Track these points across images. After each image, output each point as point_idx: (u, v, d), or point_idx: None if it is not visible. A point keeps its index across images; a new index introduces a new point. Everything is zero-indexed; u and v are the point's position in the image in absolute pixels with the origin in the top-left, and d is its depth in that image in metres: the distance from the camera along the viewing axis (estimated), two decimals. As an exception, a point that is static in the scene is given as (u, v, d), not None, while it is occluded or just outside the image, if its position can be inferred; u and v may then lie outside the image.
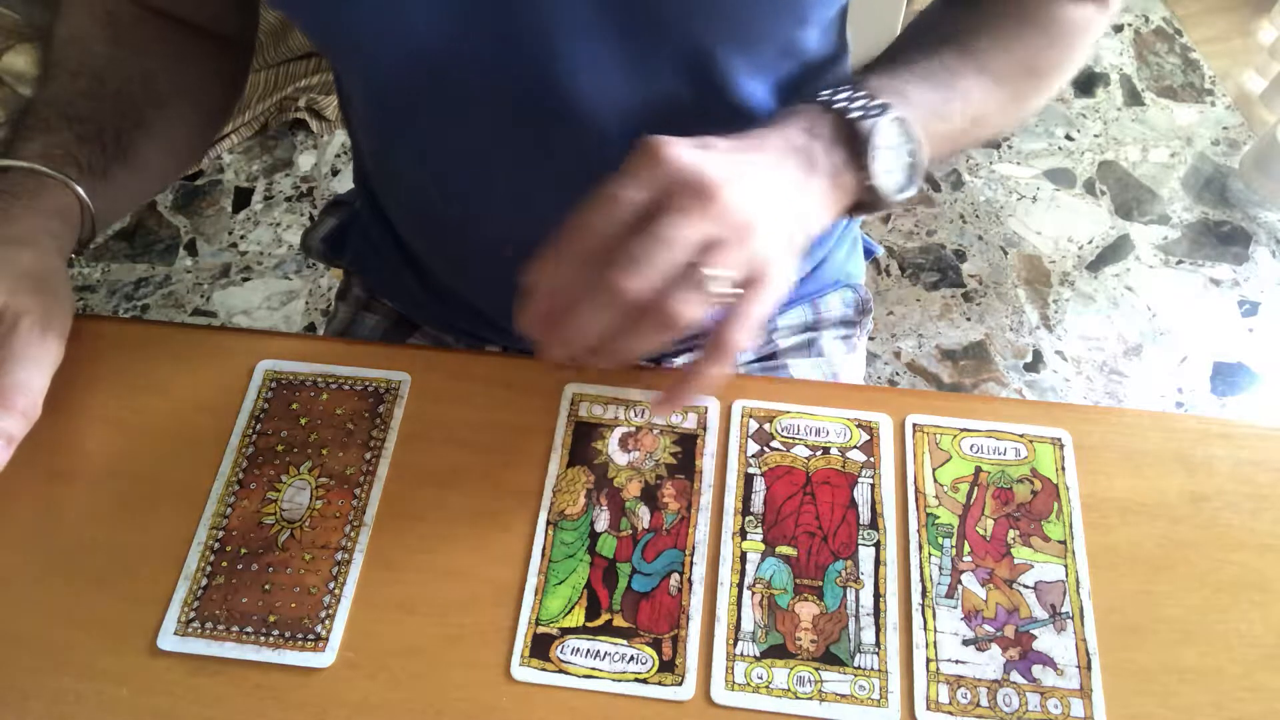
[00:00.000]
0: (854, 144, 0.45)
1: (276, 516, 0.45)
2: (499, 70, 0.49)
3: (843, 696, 0.41)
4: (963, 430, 0.48)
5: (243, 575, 0.44)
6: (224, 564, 0.44)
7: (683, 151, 0.40)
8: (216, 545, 0.45)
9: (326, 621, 0.43)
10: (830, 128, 0.45)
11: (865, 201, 0.47)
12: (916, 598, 0.43)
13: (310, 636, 0.42)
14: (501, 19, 0.46)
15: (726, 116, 0.51)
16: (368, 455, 0.47)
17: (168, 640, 0.42)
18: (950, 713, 0.40)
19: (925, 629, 0.42)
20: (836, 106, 0.45)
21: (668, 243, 0.39)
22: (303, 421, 0.48)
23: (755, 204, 0.41)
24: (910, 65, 0.50)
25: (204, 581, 0.44)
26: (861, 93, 0.46)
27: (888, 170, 0.46)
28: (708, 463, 0.47)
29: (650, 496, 0.46)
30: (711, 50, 0.49)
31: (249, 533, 0.45)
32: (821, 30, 0.53)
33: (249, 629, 0.42)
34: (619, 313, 0.39)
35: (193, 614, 0.43)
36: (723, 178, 0.40)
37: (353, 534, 0.45)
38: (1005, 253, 1.53)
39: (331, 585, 0.44)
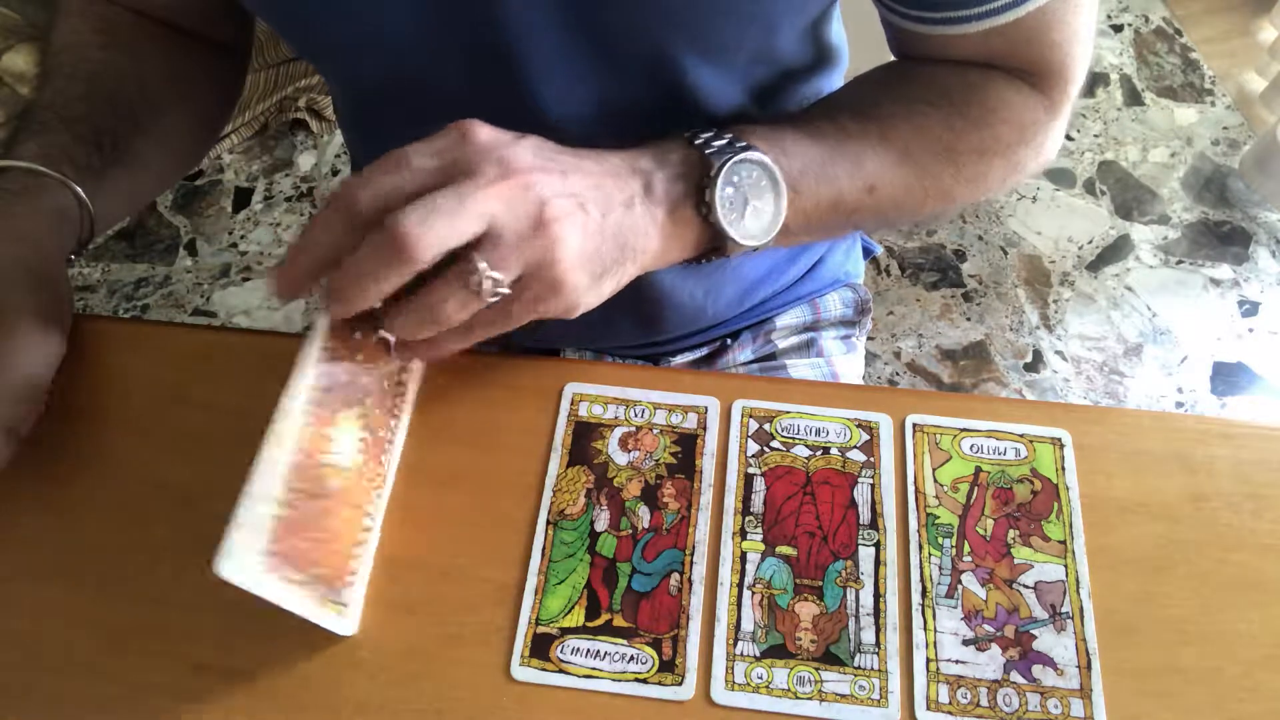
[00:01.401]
0: (700, 179, 0.44)
1: (330, 456, 0.42)
2: (470, 78, 0.49)
3: (843, 696, 0.41)
4: (963, 430, 0.48)
5: (305, 511, 0.40)
6: (291, 497, 0.40)
7: (491, 132, 0.39)
8: (286, 473, 0.40)
9: (353, 587, 0.43)
10: (682, 161, 0.44)
11: (716, 245, 0.45)
12: (916, 598, 0.43)
13: (338, 601, 0.41)
14: (471, 27, 0.46)
15: (697, 124, 0.51)
16: (392, 422, 0.47)
17: (229, 567, 0.36)
18: (950, 713, 0.40)
19: (925, 629, 0.42)
20: (697, 142, 0.44)
21: (466, 199, 0.36)
22: (359, 357, 0.44)
23: (558, 200, 0.38)
24: (801, 121, 0.48)
25: (278, 511, 0.39)
26: (729, 133, 0.45)
27: (734, 213, 0.44)
28: (708, 462, 0.47)
29: (650, 496, 0.46)
30: (678, 59, 0.48)
31: (310, 470, 0.41)
32: (797, 37, 0.52)
33: (298, 576, 0.39)
34: (398, 262, 0.36)
35: (268, 543, 0.38)
36: (528, 163, 0.38)
37: (378, 501, 0.45)
38: (1005, 253, 1.53)
39: (358, 550, 0.43)
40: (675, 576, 0.44)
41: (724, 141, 0.44)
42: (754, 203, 0.44)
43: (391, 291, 0.37)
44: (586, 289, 0.40)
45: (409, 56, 0.48)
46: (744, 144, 0.44)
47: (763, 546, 0.45)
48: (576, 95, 0.49)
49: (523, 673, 0.41)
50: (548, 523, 0.45)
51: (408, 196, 0.36)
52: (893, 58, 0.54)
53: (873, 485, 0.46)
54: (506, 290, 0.38)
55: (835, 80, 0.61)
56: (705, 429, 0.48)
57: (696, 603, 0.43)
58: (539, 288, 0.39)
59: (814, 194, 0.47)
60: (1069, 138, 1.66)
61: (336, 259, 0.37)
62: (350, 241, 0.37)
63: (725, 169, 0.43)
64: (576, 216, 0.39)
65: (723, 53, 0.49)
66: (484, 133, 0.38)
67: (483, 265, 0.37)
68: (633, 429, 0.48)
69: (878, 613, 0.43)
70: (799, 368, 0.71)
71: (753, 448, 0.48)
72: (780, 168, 0.45)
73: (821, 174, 0.47)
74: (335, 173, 1.64)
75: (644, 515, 0.46)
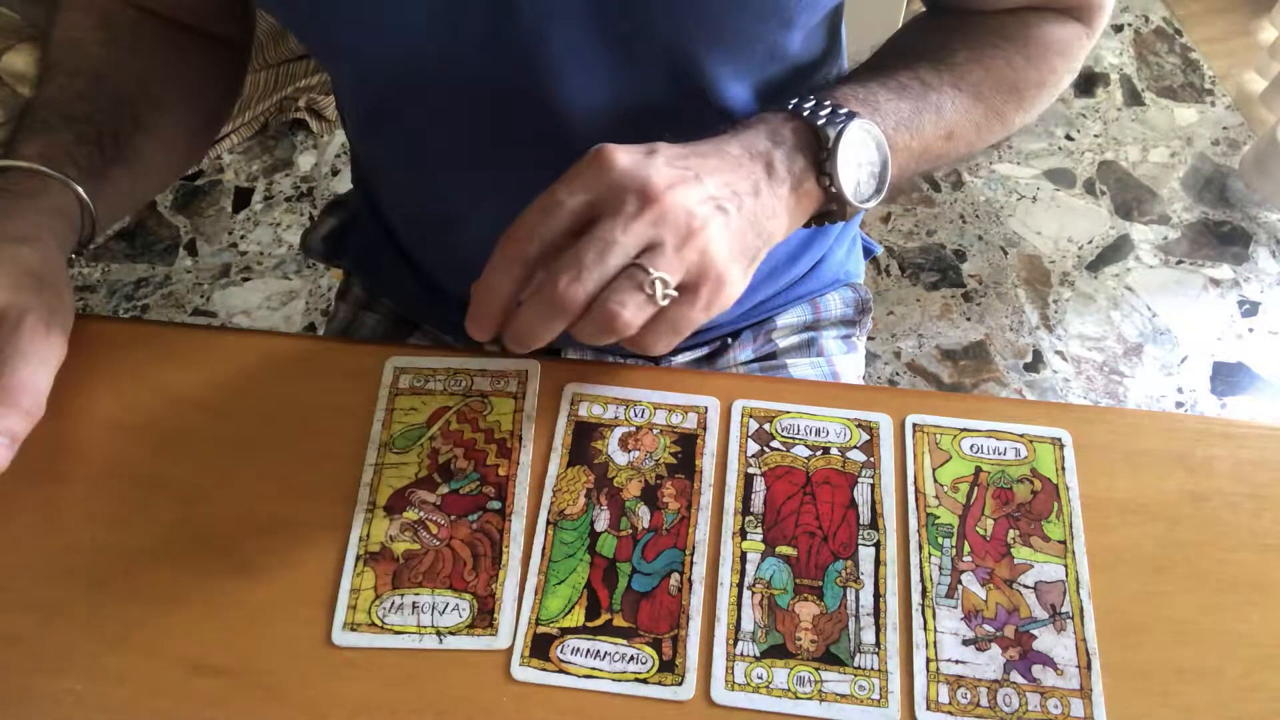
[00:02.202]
0: (817, 151, 0.45)
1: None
2: (486, 73, 0.49)
3: (843, 696, 0.41)
4: (963, 430, 0.48)
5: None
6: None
7: (627, 156, 0.41)
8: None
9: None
10: (794, 134, 0.45)
11: (831, 210, 0.47)
12: (916, 598, 0.43)
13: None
14: (490, 22, 0.46)
15: (710, 119, 0.51)
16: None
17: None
18: (950, 713, 0.40)
19: (925, 629, 0.42)
20: (803, 114, 0.46)
21: (609, 245, 0.39)
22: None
23: (700, 208, 0.41)
24: (884, 77, 0.50)
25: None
26: (828, 100, 0.46)
27: (852, 178, 0.46)
28: (708, 462, 0.47)
29: (650, 496, 0.46)
30: (697, 53, 0.49)
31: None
32: (806, 33, 0.53)
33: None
34: (562, 315, 0.40)
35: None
36: (666, 181, 0.40)
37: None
38: (1005, 253, 1.53)
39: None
40: (675, 576, 0.44)
41: (828, 110, 0.46)
42: (865, 166, 0.47)
43: (559, 333, 0.41)
44: (741, 279, 0.43)
45: (422, 49, 0.48)
46: (847, 110, 0.46)
47: (763, 546, 0.45)
48: (591, 88, 0.49)
49: (523, 673, 0.41)
50: (548, 523, 0.45)
51: (565, 235, 0.41)
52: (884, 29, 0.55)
53: (873, 485, 0.46)
54: (674, 293, 0.41)
55: (838, 71, 0.61)
56: (705, 429, 0.48)
57: (696, 603, 0.43)
58: (706, 290, 0.42)
59: (908, 148, 0.49)
60: (1069, 138, 1.66)
61: (516, 297, 0.41)
62: (525, 282, 0.41)
63: (841, 139, 0.44)
64: (718, 218, 0.42)
65: (739, 48, 0.50)
66: (621, 158, 0.41)
67: (650, 270, 0.40)
68: (633, 429, 0.48)
69: (878, 613, 0.43)
70: (799, 367, 0.70)
71: (753, 448, 0.48)
72: (882, 129, 0.47)
73: (912, 128, 0.49)
74: (335, 173, 1.64)
75: (644, 515, 0.46)
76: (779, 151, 0.45)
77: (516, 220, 0.41)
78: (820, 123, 0.45)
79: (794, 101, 0.47)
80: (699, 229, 0.41)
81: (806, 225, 0.48)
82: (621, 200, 0.40)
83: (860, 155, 0.46)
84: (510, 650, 0.42)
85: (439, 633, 0.42)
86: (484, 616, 0.43)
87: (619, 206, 0.40)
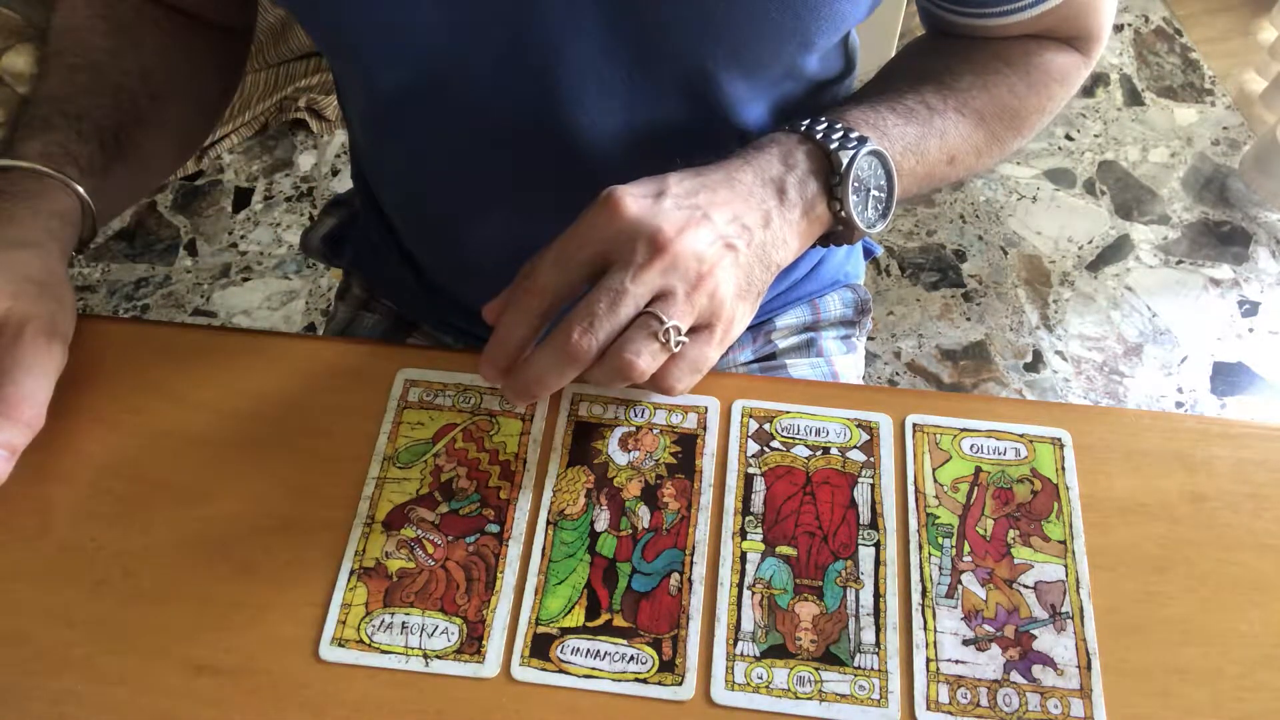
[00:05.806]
0: (829, 175, 0.45)
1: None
2: (501, 84, 0.49)
3: (843, 696, 0.41)
4: (963, 430, 0.48)
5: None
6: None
7: (635, 203, 0.41)
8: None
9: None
10: (807, 158, 0.46)
11: (838, 232, 0.48)
12: (916, 598, 0.43)
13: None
14: (509, 34, 0.46)
15: (723, 139, 0.51)
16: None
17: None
18: (950, 713, 0.40)
19: (925, 629, 0.42)
20: (816, 137, 0.46)
21: (620, 294, 0.40)
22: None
23: (710, 249, 0.42)
24: (891, 100, 0.51)
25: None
26: (840, 124, 0.47)
27: (861, 203, 0.46)
28: (708, 462, 0.47)
29: (650, 496, 0.46)
30: (715, 74, 0.49)
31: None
32: (828, 52, 0.53)
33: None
34: (574, 364, 0.41)
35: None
36: (676, 226, 0.41)
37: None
38: (1005, 253, 1.53)
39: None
40: (675, 576, 0.44)
41: (840, 134, 0.46)
42: (873, 191, 0.47)
43: (570, 380, 0.42)
44: (748, 315, 0.45)
45: (437, 55, 0.48)
46: (859, 135, 0.46)
47: (763, 546, 0.45)
48: (607, 106, 0.49)
49: (523, 673, 0.41)
50: (548, 523, 0.45)
51: (578, 284, 0.42)
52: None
53: (873, 485, 0.46)
54: (685, 339, 0.42)
55: (850, 87, 0.61)
56: (705, 429, 0.48)
57: (696, 603, 0.43)
58: (718, 329, 0.43)
59: (912, 172, 0.50)
60: (1069, 138, 1.66)
61: (529, 345, 0.43)
62: (538, 331, 0.43)
63: (853, 164, 0.45)
64: (727, 257, 0.42)
65: (758, 68, 0.50)
66: (630, 205, 0.41)
67: (664, 318, 0.40)
68: (633, 429, 0.48)
69: (878, 613, 0.43)
70: (799, 367, 0.70)
71: (753, 448, 0.48)
72: (890, 154, 0.47)
73: (917, 152, 0.50)
74: (335, 173, 1.64)
75: (644, 515, 0.46)
76: (792, 176, 0.45)
77: (530, 269, 0.42)
78: (833, 147, 0.45)
79: (806, 123, 0.47)
80: (708, 273, 0.41)
81: (812, 247, 0.49)
82: (632, 249, 0.40)
83: (870, 180, 0.47)
84: (499, 673, 0.42)
85: (425, 655, 0.42)
86: (472, 643, 0.42)
87: (630, 255, 0.40)
